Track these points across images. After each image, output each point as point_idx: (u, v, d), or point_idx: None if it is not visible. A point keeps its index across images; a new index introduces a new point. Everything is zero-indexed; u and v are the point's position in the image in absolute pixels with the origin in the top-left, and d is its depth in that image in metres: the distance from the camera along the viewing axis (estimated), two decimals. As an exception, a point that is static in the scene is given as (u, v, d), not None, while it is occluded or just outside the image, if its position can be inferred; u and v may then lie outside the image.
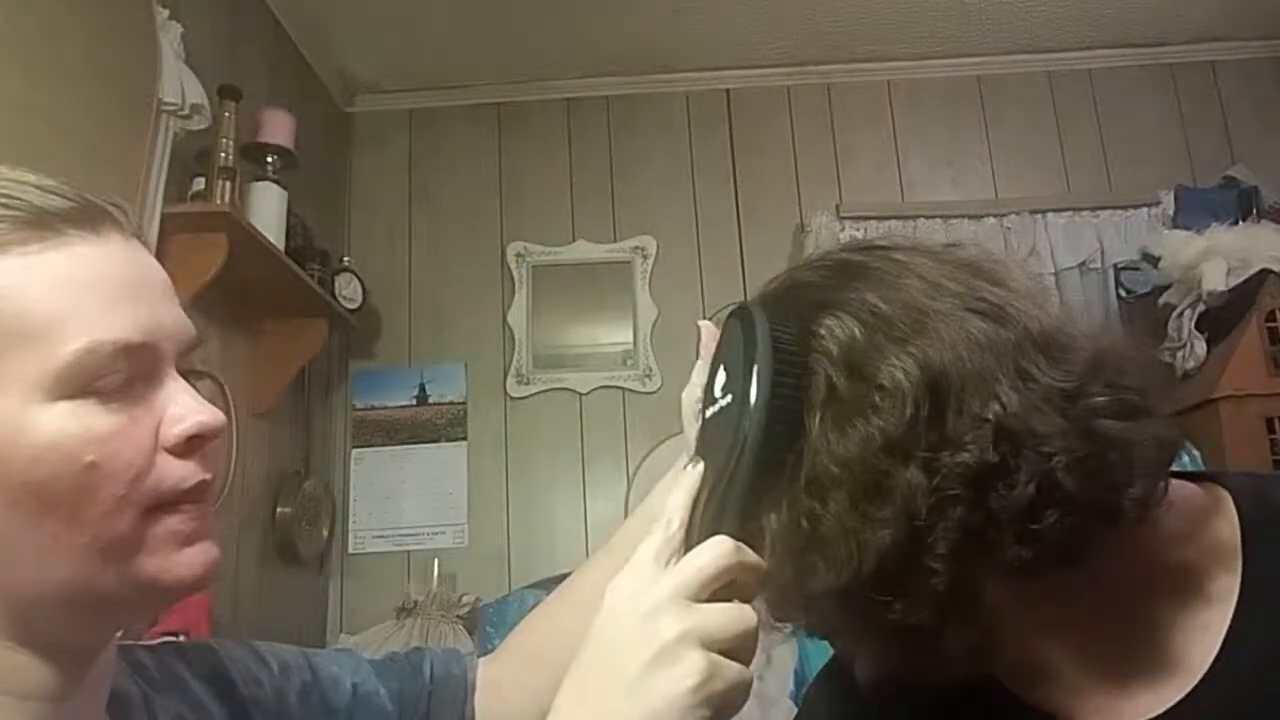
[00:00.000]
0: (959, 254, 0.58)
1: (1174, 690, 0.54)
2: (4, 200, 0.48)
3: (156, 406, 0.49)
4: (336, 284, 2.42)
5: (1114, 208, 2.69)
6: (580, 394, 2.68)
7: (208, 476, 0.51)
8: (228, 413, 0.53)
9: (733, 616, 0.46)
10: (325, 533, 2.46)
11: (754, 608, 0.48)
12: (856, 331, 0.53)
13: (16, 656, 0.48)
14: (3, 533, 0.46)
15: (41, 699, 0.49)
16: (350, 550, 2.58)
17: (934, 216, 2.71)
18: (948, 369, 0.50)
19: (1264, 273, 2.16)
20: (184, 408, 0.50)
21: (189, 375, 0.53)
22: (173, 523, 0.49)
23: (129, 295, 0.49)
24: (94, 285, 0.48)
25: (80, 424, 0.46)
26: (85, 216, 0.49)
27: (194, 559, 0.50)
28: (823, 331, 0.54)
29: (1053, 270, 2.62)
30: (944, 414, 0.50)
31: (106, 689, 0.55)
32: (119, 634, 0.56)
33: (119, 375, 0.47)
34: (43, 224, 0.48)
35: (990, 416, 0.49)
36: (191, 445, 0.50)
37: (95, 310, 0.47)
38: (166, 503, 0.49)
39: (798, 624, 0.60)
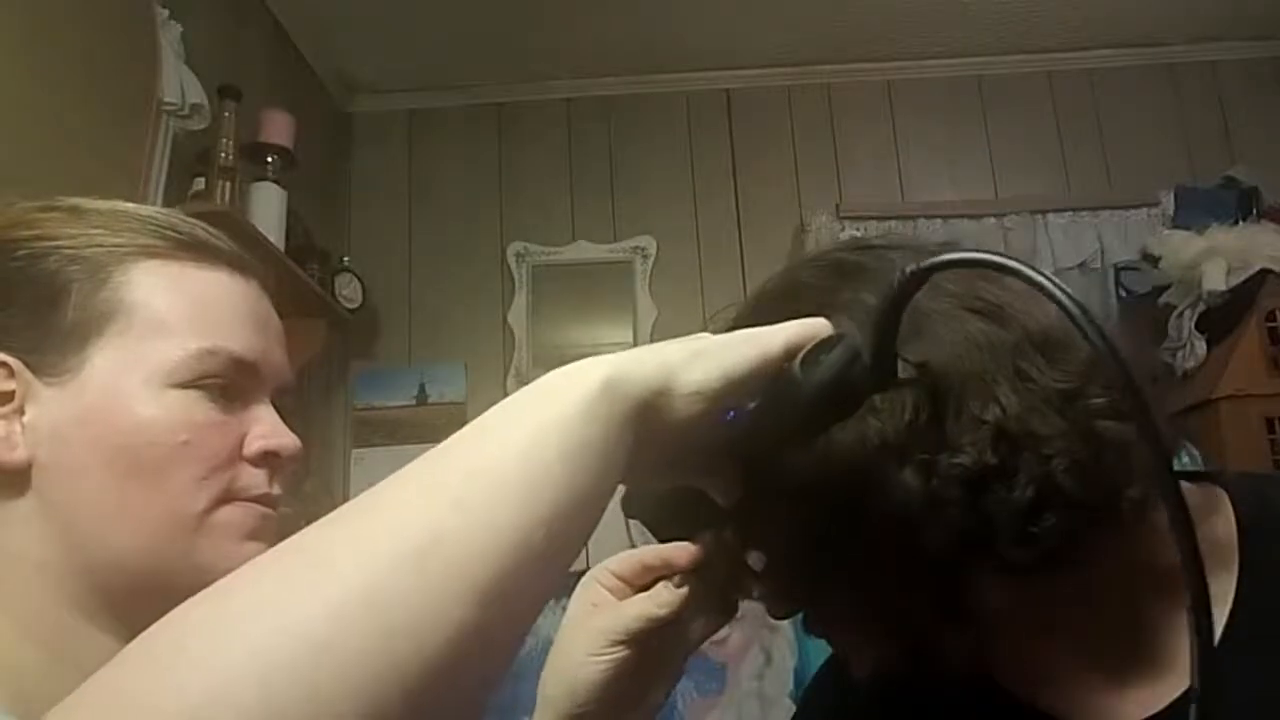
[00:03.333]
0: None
1: (1171, 690, 0.54)
2: (173, 227, 0.57)
3: (247, 420, 0.57)
4: (336, 284, 2.42)
5: (1114, 208, 2.69)
6: (580, 394, 2.68)
7: (276, 493, 0.58)
8: None
9: None
10: (325, 533, 2.46)
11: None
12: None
13: (81, 626, 0.52)
14: (92, 490, 0.52)
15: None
16: (350, 550, 2.58)
17: (934, 216, 2.71)
18: (947, 371, 0.50)
19: (1264, 273, 2.16)
20: (270, 427, 0.58)
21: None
22: (237, 514, 0.55)
23: (253, 325, 0.58)
24: (228, 307, 0.57)
25: (184, 409, 0.54)
26: (236, 259, 0.60)
27: (250, 554, 0.54)
28: None
29: (1053, 270, 2.62)
30: (943, 416, 0.50)
31: None
32: None
33: (225, 381, 0.55)
34: (199, 249, 0.58)
35: (989, 419, 0.49)
36: (267, 459, 0.57)
37: (223, 324, 0.56)
38: (237, 499, 0.55)
39: (796, 621, 0.60)
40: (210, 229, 0.60)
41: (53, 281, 0.53)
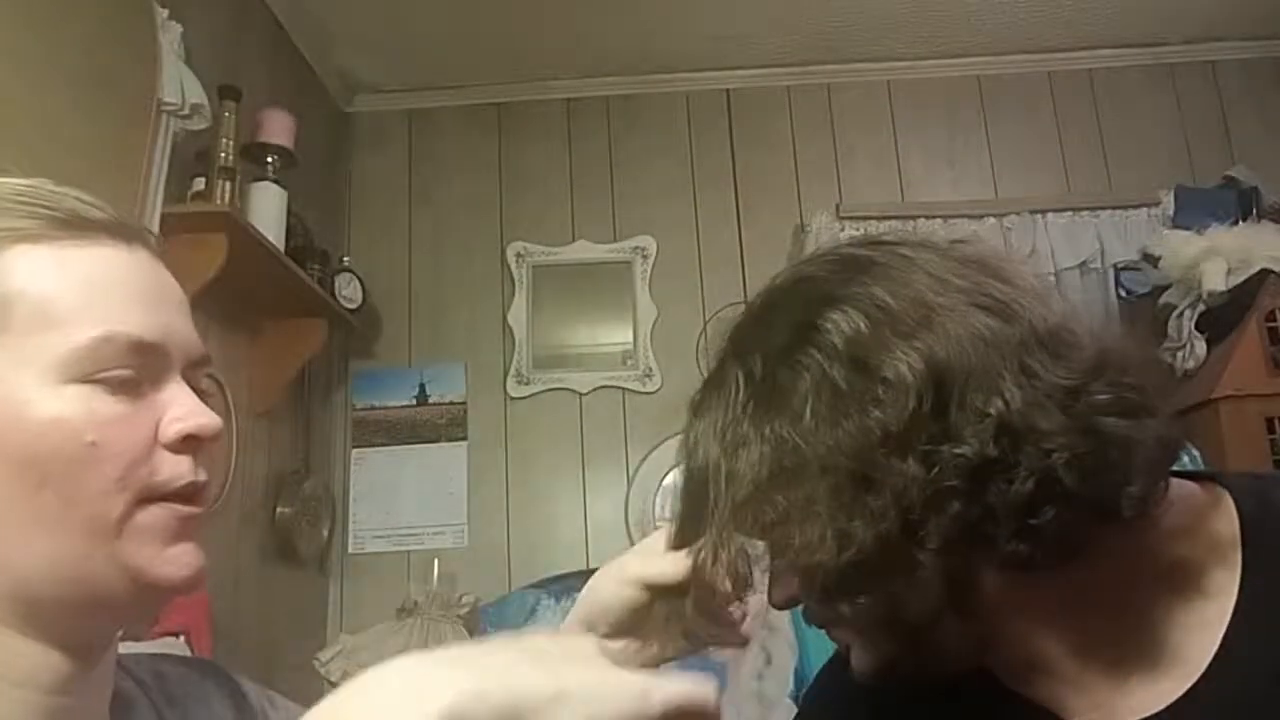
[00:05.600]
0: (965, 250, 0.58)
1: (1172, 687, 0.54)
2: (44, 202, 0.52)
3: (159, 405, 0.52)
4: (336, 284, 2.42)
5: (1114, 208, 2.69)
6: (580, 394, 2.68)
7: (201, 479, 0.53)
8: (226, 413, 0.54)
9: None
10: (325, 532, 2.46)
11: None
12: (862, 325, 0.53)
13: (17, 643, 0.49)
14: (2, 503, 0.48)
15: (39, 689, 0.50)
16: (350, 550, 2.58)
17: (934, 216, 2.71)
18: (952, 364, 0.50)
19: (1264, 273, 2.16)
20: (185, 409, 0.52)
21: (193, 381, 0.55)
22: (160, 515, 0.51)
23: (148, 300, 0.53)
24: (117, 285, 0.52)
25: (86, 406, 0.49)
26: (118, 229, 0.53)
27: (181, 558, 0.52)
28: (828, 325, 0.54)
29: (1053, 270, 2.61)
30: (946, 408, 0.50)
31: (109, 689, 0.55)
32: (119, 634, 0.56)
33: (128, 370, 0.50)
34: (77, 226, 0.52)
35: (992, 412, 0.49)
36: (188, 444, 0.52)
37: (114, 306, 0.51)
38: (158, 496, 0.51)
39: (797, 621, 0.60)
40: (84, 196, 0.53)
41: None
